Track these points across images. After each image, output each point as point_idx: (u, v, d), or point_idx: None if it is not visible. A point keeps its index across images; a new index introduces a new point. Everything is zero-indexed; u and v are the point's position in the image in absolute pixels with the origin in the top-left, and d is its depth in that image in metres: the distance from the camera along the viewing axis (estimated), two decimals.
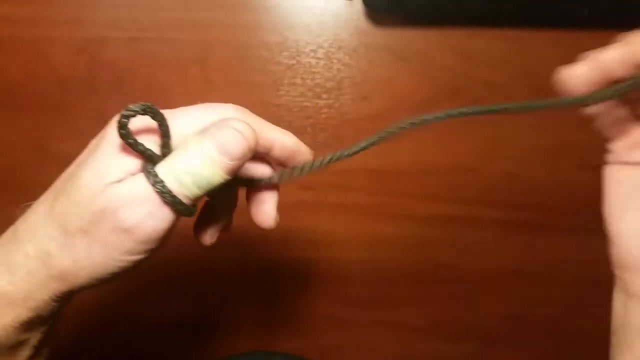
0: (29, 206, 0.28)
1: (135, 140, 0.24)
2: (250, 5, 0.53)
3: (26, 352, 0.29)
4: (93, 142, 0.27)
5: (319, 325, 0.58)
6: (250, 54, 0.53)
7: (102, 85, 0.54)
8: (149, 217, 0.25)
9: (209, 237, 0.32)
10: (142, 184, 0.25)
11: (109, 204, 0.24)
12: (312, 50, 0.53)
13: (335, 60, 0.53)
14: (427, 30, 0.53)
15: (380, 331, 0.59)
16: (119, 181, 0.25)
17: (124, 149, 0.25)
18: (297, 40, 0.53)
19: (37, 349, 0.29)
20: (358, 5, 0.52)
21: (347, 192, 0.56)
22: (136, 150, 0.25)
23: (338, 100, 0.54)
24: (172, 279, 0.57)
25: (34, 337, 0.28)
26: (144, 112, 0.24)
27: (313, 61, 0.53)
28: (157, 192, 0.25)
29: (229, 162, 0.25)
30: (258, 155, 0.28)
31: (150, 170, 0.25)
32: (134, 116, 0.24)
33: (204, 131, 0.25)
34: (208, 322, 0.59)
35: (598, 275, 0.57)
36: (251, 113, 0.28)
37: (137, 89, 0.54)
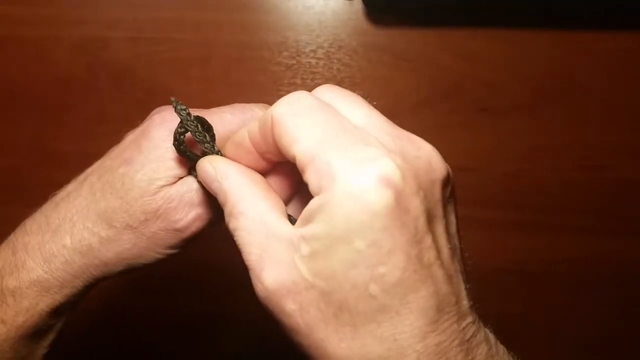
0: (56, 195, 0.29)
1: (192, 152, 0.26)
2: (250, 5, 0.53)
3: (52, 336, 0.30)
4: (130, 138, 0.29)
5: None
6: (250, 54, 0.53)
7: (103, 85, 0.54)
8: (198, 219, 0.27)
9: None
10: (194, 188, 0.27)
11: (162, 205, 0.27)
12: (312, 51, 0.53)
13: (335, 60, 0.53)
14: (427, 30, 0.53)
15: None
16: (170, 184, 0.27)
17: (173, 155, 0.27)
18: (297, 41, 0.53)
19: (60, 334, 0.31)
20: (358, 5, 0.52)
21: None
22: (190, 160, 0.27)
23: None
24: (171, 280, 0.57)
25: (61, 322, 0.30)
26: (195, 124, 0.26)
27: (313, 61, 0.53)
28: (210, 197, 0.26)
29: None
30: None
31: None
32: (187, 131, 0.26)
33: None
34: (207, 322, 0.59)
35: (598, 275, 0.57)
36: None
37: (138, 89, 0.54)
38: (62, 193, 0.29)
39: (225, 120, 0.28)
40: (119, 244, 0.27)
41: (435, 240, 0.20)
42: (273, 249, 0.21)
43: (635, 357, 0.58)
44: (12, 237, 0.29)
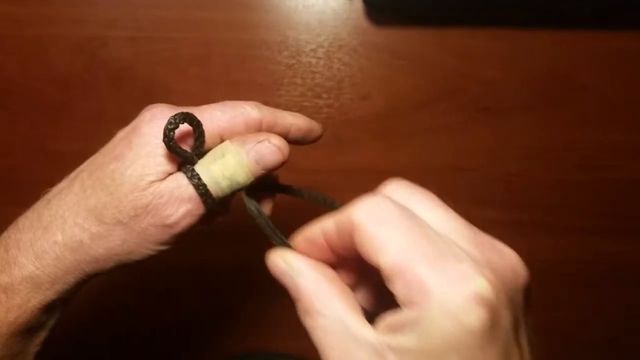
0: (48, 192, 0.29)
1: (181, 148, 0.26)
2: (250, 4, 0.52)
3: (44, 333, 0.30)
4: (121, 135, 0.29)
5: None
6: (250, 53, 0.53)
7: (101, 84, 0.53)
8: (188, 215, 0.28)
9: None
10: (184, 184, 0.27)
11: (152, 201, 0.27)
12: (312, 50, 0.53)
13: (335, 60, 0.53)
14: (427, 30, 0.52)
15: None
16: (160, 180, 0.27)
17: (163, 151, 0.27)
18: (297, 40, 0.53)
19: (51, 331, 0.31)
20: (358, 5, 0.52)
21: (347, 192, 0.55)
22: (179, 156, 0.27)
23: (338, 100, 0.54)
24: (171, 279, 0.57)
25: (53, 319, 0.30)
26: (184, 120, 0.26)
27: (313, 60, 0.53)
28: (200, 193, 0.27)
29: (262, 171, 0.28)
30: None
31: (194, 173, 0.27)
32: (177, 127, 0.26)
33: (241, 141, 0.28)
34: (207, 322, 0.59)
35: (598, 276, 0.57)
36: (266, 106, 0.30)
37: (137, 88, 0.53)
38: (54, 190, 0.29)
39: (215, 117, 0.28)
40: (110, 239, 0.27)
41: (520, 347, 0.21)
42: (354, 353, 0.21)
43: (635, 357, 0.58)
44: (4, 234, 0.29)
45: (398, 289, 0.20)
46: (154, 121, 0.27)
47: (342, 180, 0.55)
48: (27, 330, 0.28)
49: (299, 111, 0.54)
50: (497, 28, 0.52)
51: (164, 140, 0.26)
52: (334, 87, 0.54)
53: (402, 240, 0.21)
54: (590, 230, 0.56)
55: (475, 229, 0.23)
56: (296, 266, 0.24)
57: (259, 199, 0.34)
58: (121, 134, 0.29)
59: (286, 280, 0.24)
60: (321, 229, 0.24)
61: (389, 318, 0.21)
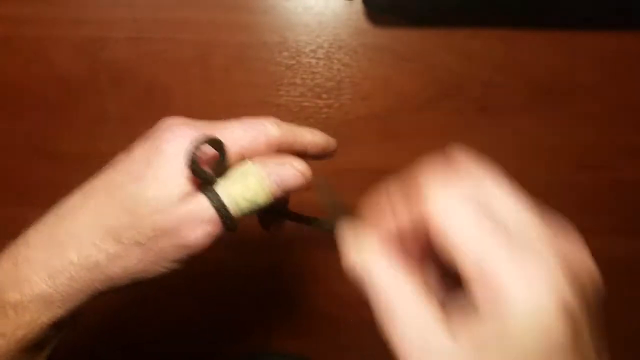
0: (58, 207, 0.29)
1: (204, 172, 0.26)
2: (250, 5, 0.53)
3: (51, 346, 0.30)
4: (140, 152, 0.28)
5: (319, 325, 0.58)
6: (250, 54, 0.53)
7: (103, 85, 0.54)
8: (208, 236, 0.27)
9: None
10: (204, 206, 0.27)
11: (172, 222, 0.27)
12: (312, 50, 0.53)
13: (335, 60, 0.53)
14: (427, 30, 0.53)
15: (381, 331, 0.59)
16: (180, 201, 0.27)
17: (184, 172, 0.27)
18: (297, 40, 0.53)
19: (58, 345, 0.30)
20: (358, 5, 0.52)
21: (347, 192, 0.55)
22: (201, 178, 0.27)
23: (338, 100, 0.54)
24: (171, 281, 0.57)
25: (61, 333, 0.30)
26: (206, 143, 0.26)
27: (313, 61, 0.53)
28: (221, 215, 0.27)
29: (282, 194, 0.28)
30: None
31: (215, 194, 0.27)
32: (201, 151, 0.26)
33: (263, 162, 0.28)
34: (207, 323, 0.59)
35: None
36: (284, 123, 0.30)
37: (138, 89, 0.54)
38: (66, 205, 0.28)
39: (237, 136, 0.28)
40: (126, 259, 0.27)
41: (597, 351, 0.21)
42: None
43: (635, 357, 0.58)
44: (13, 248, 0.28)
45: (477, 291, 0.20)
46: (176, 140, 0.27)
47: (342, 180, 0.55)
48: (35, 346, 0.28)
49: (299, 112, 0.54)
50: (497, 28, 0.52)
51: (188, 165, 0.25)
52: (334, 88, 0.54)
53: (477, 237, 0.21)
54: (590, 231, 0.55)
55: (547, 220, 0.22)
56: (375, 269, 0.24)
57: (271, 222, 0.34)
58: (139, 150, 0.28)
59: (364, 282, 0.24)
60: (393, 214, 0.24)
61: (472, 329, 0.20)
